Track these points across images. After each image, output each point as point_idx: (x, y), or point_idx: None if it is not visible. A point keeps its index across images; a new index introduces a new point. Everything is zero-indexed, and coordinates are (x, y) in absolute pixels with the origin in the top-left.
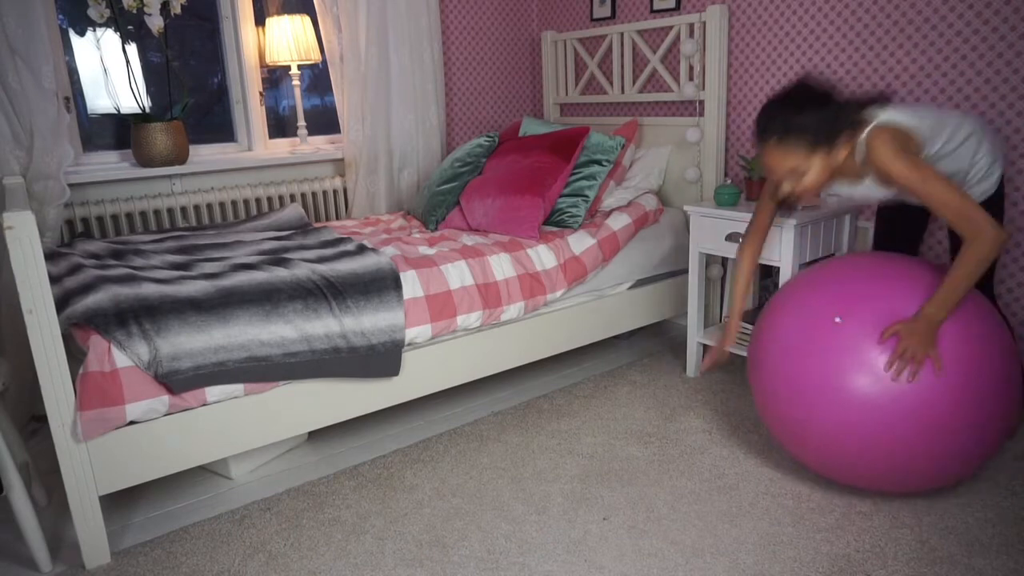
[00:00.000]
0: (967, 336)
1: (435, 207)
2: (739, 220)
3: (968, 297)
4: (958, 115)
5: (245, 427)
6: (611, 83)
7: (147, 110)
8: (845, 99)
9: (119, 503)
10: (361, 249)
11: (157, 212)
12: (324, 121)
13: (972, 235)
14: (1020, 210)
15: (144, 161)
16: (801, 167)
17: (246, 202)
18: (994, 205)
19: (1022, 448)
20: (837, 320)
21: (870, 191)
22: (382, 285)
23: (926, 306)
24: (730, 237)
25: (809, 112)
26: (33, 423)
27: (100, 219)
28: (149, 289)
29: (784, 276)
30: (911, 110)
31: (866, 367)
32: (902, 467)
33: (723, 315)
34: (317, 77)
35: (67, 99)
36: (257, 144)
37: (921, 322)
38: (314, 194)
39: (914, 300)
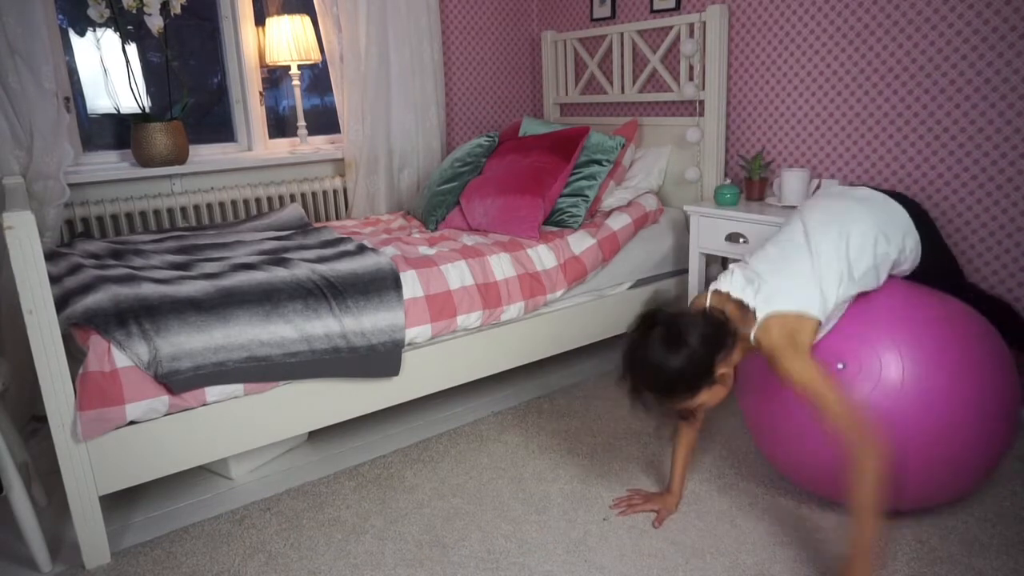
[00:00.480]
0: (961, 357)
1: (435, 207)
2: (739, 220)
3: (960, 312)
4: (823, 232)
5: (245, 427)
6: (611, 83)
7: (147, 110)
8: (702, 319)
9: (119, 503)
10: (361, 249)
11: (157, 212)
12: (324, 121)
13: (858, 444)
14: (1020, 210)
15: (144, 161)
16: (696, 401)
17: (246, 202)
18: (935, 265)
19: (1022, 448)
20: (840, 367)
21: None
22: (382, 285)
23: (858, 548)
24: (730, 237)
25: (674, 362)
26: (33, 423)
27: (100, 219)
28: (149, 289)
29: None
30: (779, 274)
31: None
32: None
33: None
34: (317, 77)
35: (67, 99)
36: (257, 144)
37: (858, 569)
38: (314, 194)
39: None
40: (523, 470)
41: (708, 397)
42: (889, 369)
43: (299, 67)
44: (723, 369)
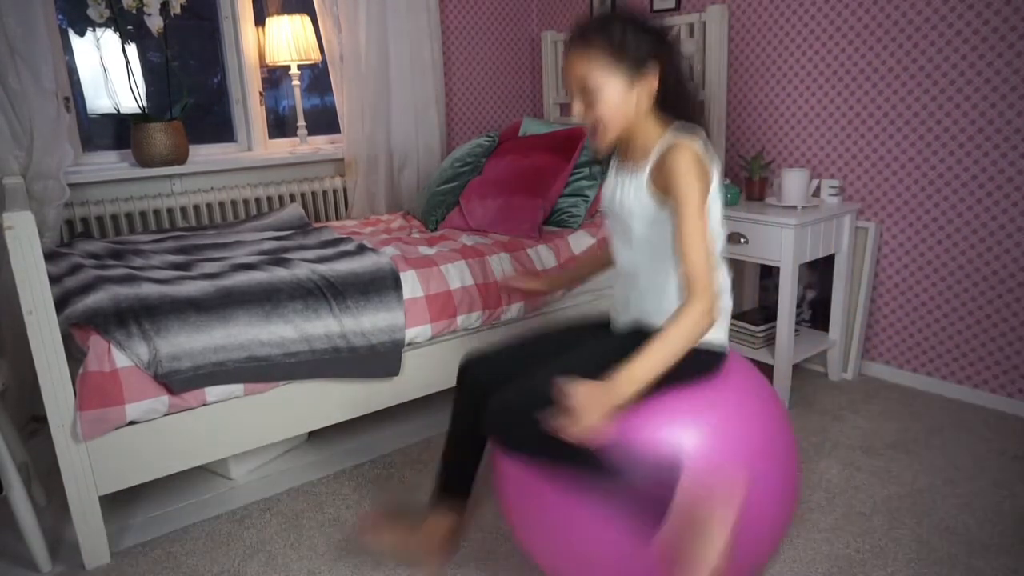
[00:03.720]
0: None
1: (435, 207)
2: (739, 220)
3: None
4: None
5: (245, 427)
6: None
7: (147, 110)
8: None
9: (119, 503)
10: (361, 249)
11: (157, 212)
12: (324, 121)
13: (697, 295)
14: (1021, 210)
15: (144, 161)
16: (597, 84)
17: (246, 202)
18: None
19: (1022, 448)
20: None
21: (633, 199)
22: (382, 285)
23: (625, 372)
24: (730, 237)
25: (637, 30)
26: (33, 423)
27: (100, 219)
28: (149, 289)
29: (784, 276)
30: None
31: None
32: None
33: None
34: (317, 77)
35: (67, 99)
36: (257, 144)
37: (609, 388)
38: (314, 194)
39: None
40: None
41: (611, 101)
42: None
43: (299, 67)
44: (648, 78)
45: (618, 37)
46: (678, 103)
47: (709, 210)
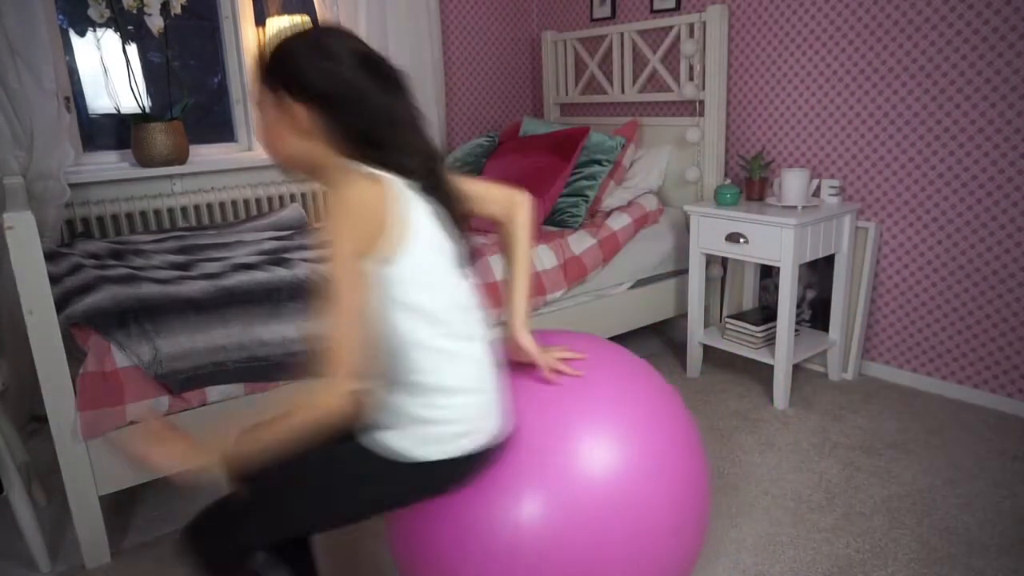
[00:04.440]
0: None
1: None
2: (739, 220)
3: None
4: None
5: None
6: (611, 83)
7: (147, 110)
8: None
9: (119, 503)
10: None
11: (157, 212)
12: None
13: (322, 379)
14: (1021, 210)
15: (144, 161)
16: (263, 103)
17: (246, 202)
18: None
19: (1021, 448)
20: None
21: None
22: None
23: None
24: (730, 237)
25: (304, 55)
26: (33, 423)
27: (100, 219)
28: (149, 289)
29: (784, 276)
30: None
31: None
32: None
33: (723, 315)
34: None
35: (67, 99)
36: (257, 144)
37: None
38: (314, 194)
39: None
40: None
41: (268, 120)
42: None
43: None
44: (293, 108)
45: (273, 54)
46: (368, 144)
47: (392, 272)
